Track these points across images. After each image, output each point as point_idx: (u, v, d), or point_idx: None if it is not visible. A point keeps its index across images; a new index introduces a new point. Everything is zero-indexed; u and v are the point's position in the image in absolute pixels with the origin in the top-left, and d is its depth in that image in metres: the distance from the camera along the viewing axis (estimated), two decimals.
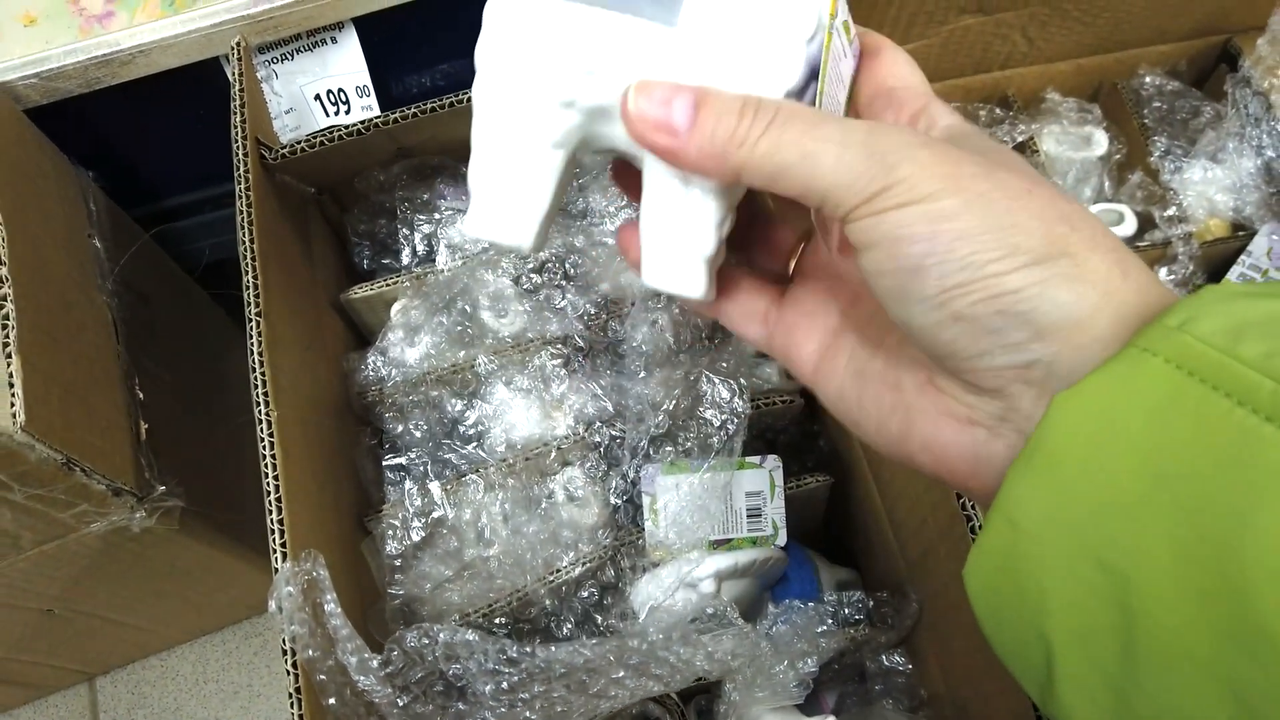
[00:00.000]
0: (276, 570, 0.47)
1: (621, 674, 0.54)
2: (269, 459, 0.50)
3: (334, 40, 0.70)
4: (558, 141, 0.29)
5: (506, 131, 0.29)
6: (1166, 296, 0.23)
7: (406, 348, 0.68)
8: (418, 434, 0.65)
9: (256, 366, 0.52)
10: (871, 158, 0.24)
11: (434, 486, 0.61)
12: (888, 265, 0.24)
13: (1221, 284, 0.21)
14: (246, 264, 0.54)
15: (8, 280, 0.52)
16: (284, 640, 0.46)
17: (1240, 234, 0.73)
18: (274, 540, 0.48)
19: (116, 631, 0.79)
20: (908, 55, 0.30)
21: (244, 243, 0.54)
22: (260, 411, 0.51)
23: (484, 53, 0.28)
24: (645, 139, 0.26)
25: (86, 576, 0.66)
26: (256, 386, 0.51)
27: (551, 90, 0.28)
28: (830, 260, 0.31)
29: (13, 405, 0.50)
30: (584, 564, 0.62)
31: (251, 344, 0.52)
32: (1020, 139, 0.73)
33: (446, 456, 0.65)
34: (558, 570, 0.61)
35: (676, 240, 0.28)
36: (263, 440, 0.50)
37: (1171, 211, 0.72)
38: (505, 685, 0.54)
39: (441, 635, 0.51)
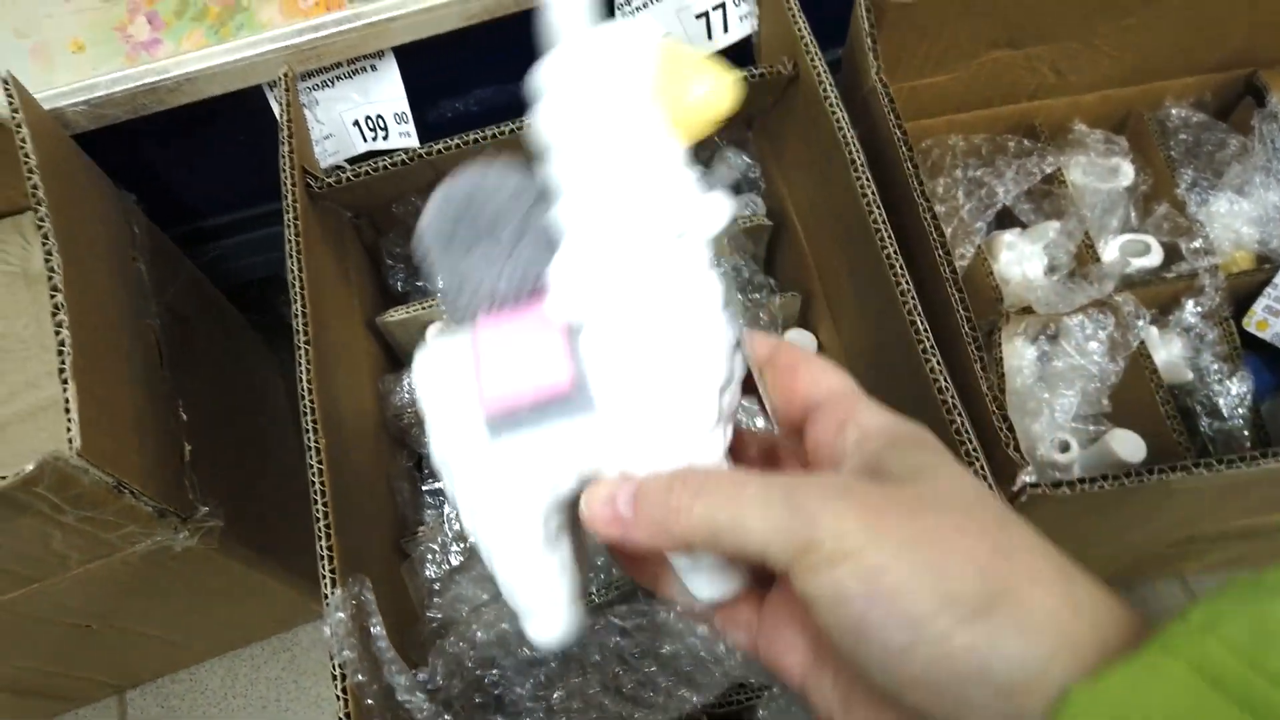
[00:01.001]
0: (327, 597, 0.48)
1: (654, 668, 0.55)
2: (318, 486, 0.51)
3: (374, 68, 0.71)
4: (557, 536, 0.31)
5: (513, 549, 0.30)
6: (1125, 626, 0.22)
7: None
8: None
9: (306, 394, 0.53)
10: (794, 514, 0.24)
11: None
12: (833, 622, 0.24)
13: (1252, 577, 0.21)
14: (295, 293, 0.55)
15: (63, 307, 0.53)
16: (334, 665, 0.47)
17: (1266, 266, 0.74)
18: (323, 566, 0.49)
19: (149, 646, 0.80)
20: (826, 362, 0.30)
21: (292, 272, 0.56)
22: (309, 439, 0.52)
23: (464, 500, 0.30)
24: (602, 535, 0.28)
25: (126, 593, 0.67)
26: (306, 414, 0.52)
27: (529, 509, 0.29)
28: None
29: (69, 431, 0.51)
30: (617, 588, 0.63)
31: (301, 372, 0.53)
32: (1048, 170, 0.74)
33: None
34: (591, 594, 0.62)
35: (705, 560, 0.30)
36: (312, 467, 0.51)
37: (1198, 243, 0.73)
38: (543, 678, 0.55)
39: (479, 635, 0.52)
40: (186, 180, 0.80)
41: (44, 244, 0.54)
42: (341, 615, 0.48)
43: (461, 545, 0.63)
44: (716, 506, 0.25)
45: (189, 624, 0.80)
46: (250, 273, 0.89)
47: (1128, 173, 0.77)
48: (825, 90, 0.59)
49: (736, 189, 0.81)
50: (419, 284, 0.79)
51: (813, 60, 0.60)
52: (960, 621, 0.22)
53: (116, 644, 0.77)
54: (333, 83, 0.71)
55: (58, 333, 0.52)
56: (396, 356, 0.76)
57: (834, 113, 0.58)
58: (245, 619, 0.85)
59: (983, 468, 0.50)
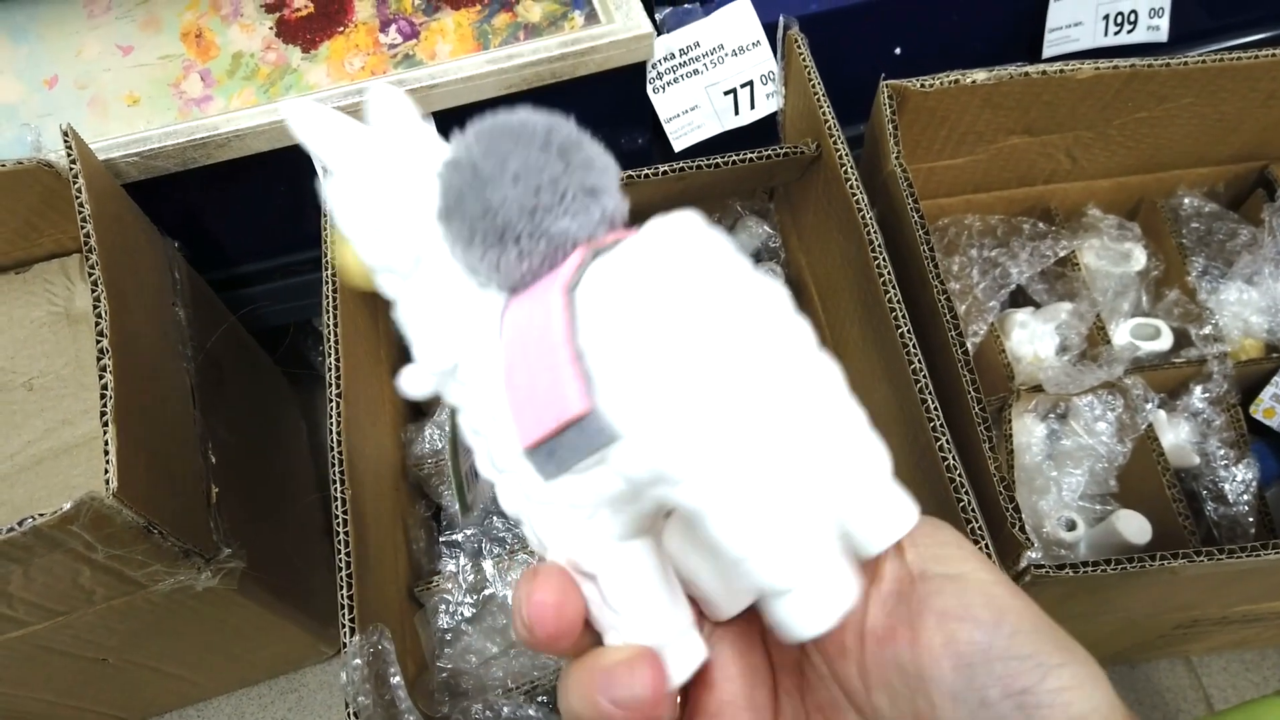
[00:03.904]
0: (345, 644, 0.50)
1: None
2: (342, 536, 0.53)
3: None
4: (662, 558, 0.27)
5: (628, 581, 0.26)
6: None
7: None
8: (474, 512, 0.68)
9: (334, 447, 0.55)
10: None
11: (487, 565, 0.64)
12: None
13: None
14: (329, 347, 0.57)
15: (108, 353, 0.55)
16: (349, 713, 0.49)
17: (1274, 355, 0.75)
18: (343, 616, 0.51)
19: (162, 682, 0.82)
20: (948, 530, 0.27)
21: (328, 327, 0.58)
22: (336, 490, 0.54)
23: (551, 541, 0.27)
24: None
25: (145, 630, 0.69)
26: (333, 465, 0.54)
27: (615, 535, 0.26)
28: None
29: (106, 472, 0.53)
30: None
31: (331, 424, 0.55)
32: (1062, 253, 0.76)
33: (502, 535, 0.67)
34: None
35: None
36: (337, 518, 0.53)
37: (1208, 330, 0.74)
38: None
39: (504, 709, 0.53)
40: (224, 228, 0.83)
41: (93, 291, 0.57)
42: (359, 662, 0.50)
43: (475, 597, 0.64)
44: None
45: (201, 661, 0.81)
46: (281, 318, 0.91)
47: (1140, 258, 0.79)
48: (846, 172, 0.61)
49: (757, 257, 0.83)
50: None
51: (835, 143, 0.62)
52: None
53: (130, 678, 0.78)
54: None
55: (101, 376, 0.55)
56: (419, 406, 0.78)
57: (854, 195, 0.60)
58: (256, 658, 0.86)
59: (988, 546, 0.51)
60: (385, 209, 0.27)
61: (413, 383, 0.28)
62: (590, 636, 0.27)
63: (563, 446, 0.24)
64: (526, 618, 0.25)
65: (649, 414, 0.22)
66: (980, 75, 0.65)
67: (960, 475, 0.52)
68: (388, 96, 0.29)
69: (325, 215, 0.30)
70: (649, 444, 0.22)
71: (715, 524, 0.23)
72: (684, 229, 0.23)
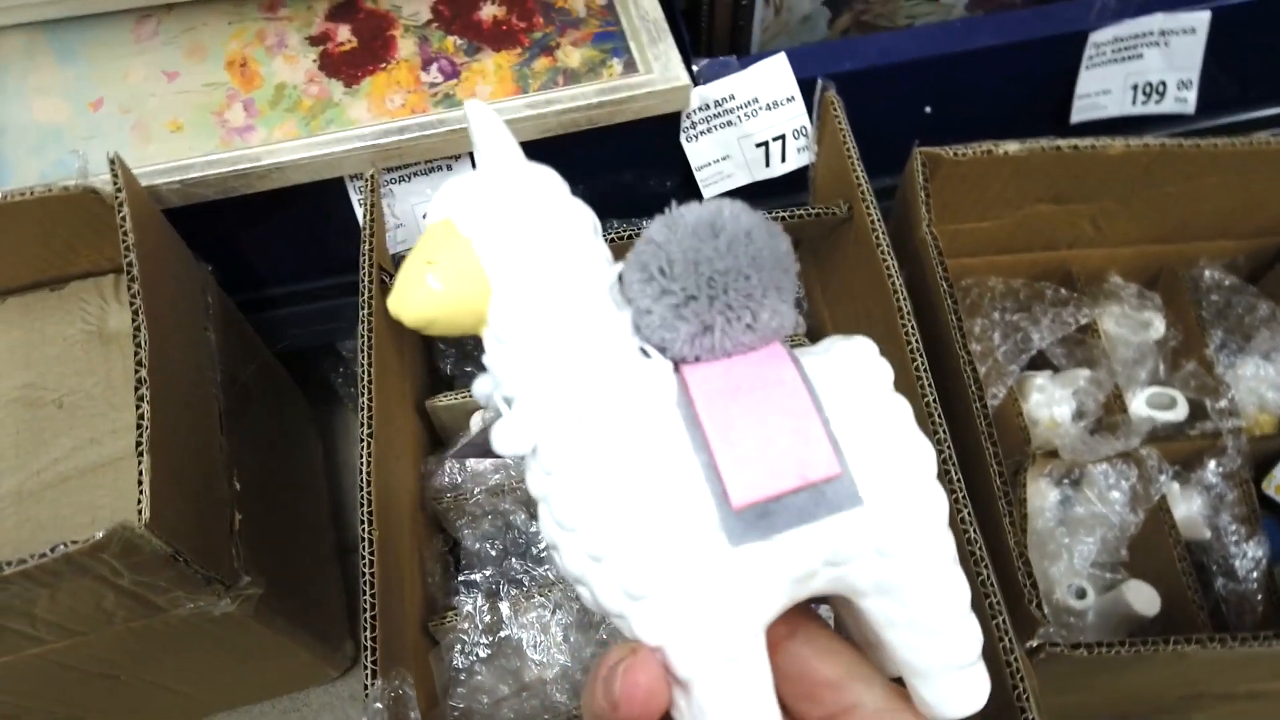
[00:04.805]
0: (368, 687, 0.50)
1: None
2: (368, 576, 0.53)
3: (449, 168, 0.75)
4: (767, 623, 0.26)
5: (738, 675, 0.25)
6: None
7: (484, 460, 0.72)
8: (493, 552, 0.69)
9: (364, 486, 0.55)
10: None
11: (504, 606, 0.64)
12: None
13: None
14: (363, 385, 0.58)
15: (146, 382, 0.56)
16: None
17: None
18: (366, 658, 0.51)
19: (168, 698, 0.82)
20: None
21: (363, 366, 0.59)
22: (364, 530, 0.54)
23: (681, 625, 0.25)
24: None
25: (160, 650, 0.69)
26: (363, 505, 0.55)
27: (762, 622, 0.25)
28: None
29: (139, 502, 0.53)
30: None
31: (361, 464, 0.56)
32: (1083, 321, 0.77)
33: (519, 577, 0.68)
34: None
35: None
36: (364, 558, 0.54)
37: (1223, 404, 0.75)
38: None
39: None
40: (252, 252, 0.84)
41: (134, 321, 0.58)
42: (380, 706, 0.50)
43: (491, 638, 0.65)
44: None
45: (210, 680, 0.82)
46: (305, 341, 0.92)
47: (1159, 327, 0.80)
48: (878, 237, 0.62)
49: None
50: (466, 369, 0.82)
51: (867, 207, 0.63)
52: None
53: (137, 695, 0.78)
54: (409, 178, 0.75)
55: (139, 406, 0.55)
56: (439, 437, 0.79)
57: (884, 260, 0.61)
58: (263, 678, 0.87)
59: (1004, 621, 0.52)
60: (547, 238, 0.26)
61: (511, 440, 0.26)
62: None
63: (786, 508, 0.24)
64: (618, 692, 0.24)
65: (899, 489, 0.25)
66: (1012, 147, 0.66)
67: (981, 548, 0.53)
68: (496, 129, 0.29)
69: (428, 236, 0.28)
70: (892, 514, 0.25)
71: (925, 596, 0.26)
72: (876, 353, 0.28)
